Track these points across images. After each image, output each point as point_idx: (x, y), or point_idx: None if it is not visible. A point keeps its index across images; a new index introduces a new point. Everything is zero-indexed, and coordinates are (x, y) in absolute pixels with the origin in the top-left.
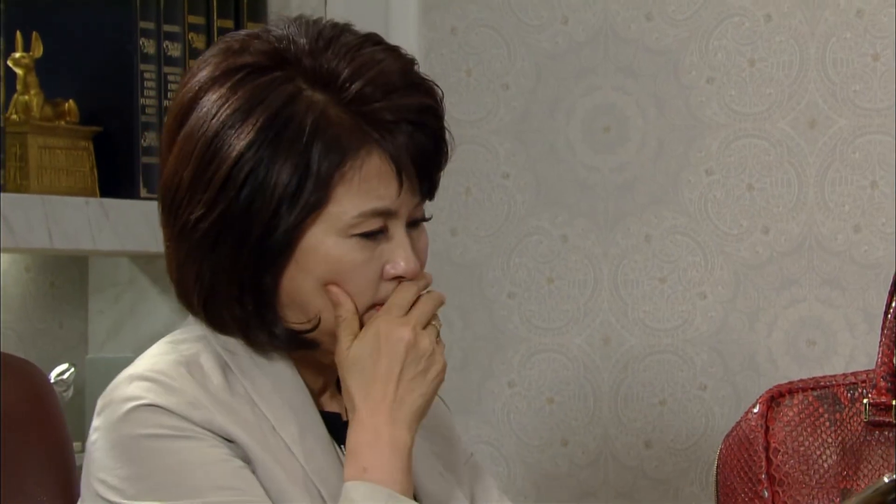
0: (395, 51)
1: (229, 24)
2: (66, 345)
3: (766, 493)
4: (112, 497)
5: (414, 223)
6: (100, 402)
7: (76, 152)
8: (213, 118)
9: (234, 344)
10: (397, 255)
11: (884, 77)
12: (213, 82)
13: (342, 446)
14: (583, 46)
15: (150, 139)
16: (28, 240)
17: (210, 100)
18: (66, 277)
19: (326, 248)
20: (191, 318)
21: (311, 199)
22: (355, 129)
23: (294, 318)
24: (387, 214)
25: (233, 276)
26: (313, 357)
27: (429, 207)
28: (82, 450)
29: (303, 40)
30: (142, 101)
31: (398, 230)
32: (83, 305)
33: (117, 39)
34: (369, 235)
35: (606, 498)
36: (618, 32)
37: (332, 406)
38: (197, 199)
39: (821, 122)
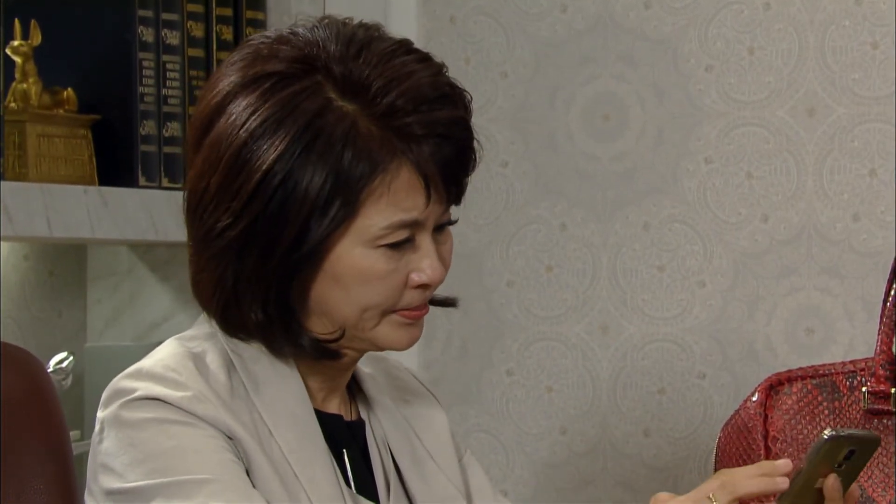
0: (426, 60)
1: (227, 12)
2: (65, 333)
3: None
4: (113, 484)
5: (440, 227)
6: (105, 395)
7: (75, 141)
8: (241, 128)
9: (242, 346)
10: (424, 264)
11: (883, 65)
12: (241, 88)
13: (344, 449)
14: (582, 35)
15: (148, 127)
16: (27, 228)
17: (239, 107)
18: (64, 266)
19: (353, 258)
20: (202, 317)
21: (340, 212)
22: (385, 142)
23: (319, 328)
24: (414, 225)
25: (258, 285)
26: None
27: None
28: (80, 438)
29: (333, 46)
30: (140, 89)
31: (425, 240)
32: (82, 294)
33: (116, 28)
34: (396, 246)
35: (605, 486)
36: (617, 21)
37: (334, 408)
38: (224, 207)
39: (820, 110)
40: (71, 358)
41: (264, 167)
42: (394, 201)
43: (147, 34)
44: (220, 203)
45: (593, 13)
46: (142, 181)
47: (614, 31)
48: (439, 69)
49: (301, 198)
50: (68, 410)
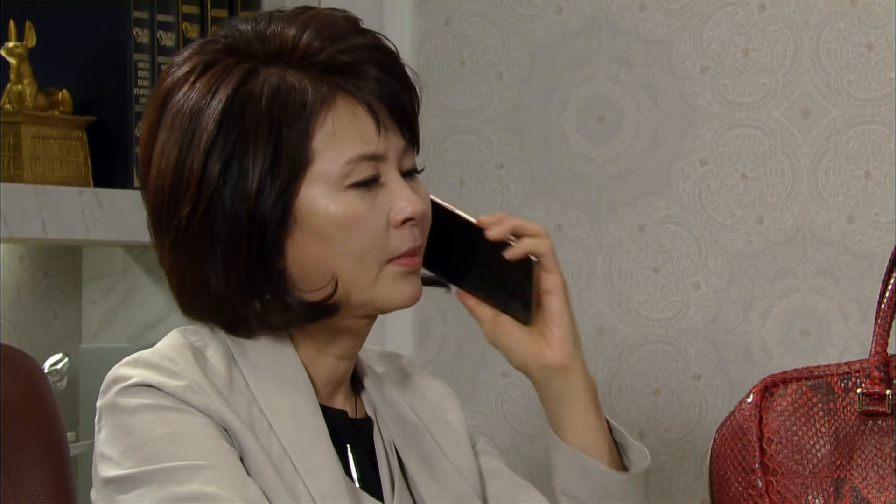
0: (332, 8)
1: (223, 13)
2: (60, 335)
3: (760, 483)
4: (110, 472)
5: (408, 174)
6: (104, 383)
7: (70, 142)
8: (177, 122)
9: (246, 339)
10: (397, 198)
11: (877, 67)
12: (170, 93)
13: (349, 444)
14: (577, 36)
15: None
16: (22, 230)
17: (172, 109)
18: (59, 267)
19: (325, 206)
20: None
21: (291, 164)
22: (315, 82)
23: (310, 287)
24: (375, 159)
25: (239, 268)
26: (336, 341)
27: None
28: (75, 440)
29: (245, 27)
30: (135, 90)
31: (392, 175)
32: (77, 295)
33: (111, 29)
34: (364, 185)
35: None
36: (612, 22)
37: (339, 403)
38: (182, 197)
39: (815, 111)
40: (66, 359)
41: (205, 143)
42: (344, 137)
43: (142, 35)
44: (177, 200)
45: (588, 14)
46: (137, 182)
47: (609, 33)
48: (350, 13)
49: (249, 161)
50: (63, 412)
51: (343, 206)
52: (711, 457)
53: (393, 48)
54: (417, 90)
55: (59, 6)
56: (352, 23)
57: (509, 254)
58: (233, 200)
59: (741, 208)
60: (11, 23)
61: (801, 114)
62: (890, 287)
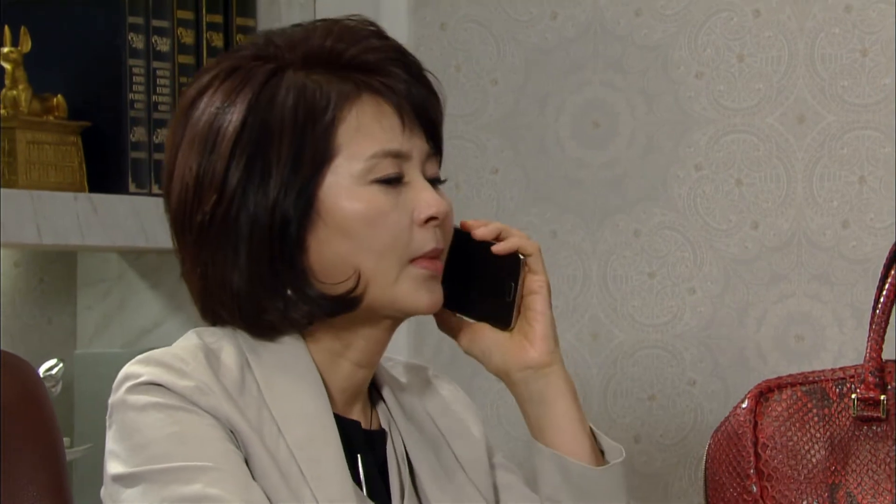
0: (357, 16)
1: (218, 18)
2: (55, 340)
3: (755, 488)
4: (117, 468)
5: (431, 182)
6: (116, 381)
7: (65, 147)
8: (202, 121)
9: (262, 343)
10: (421, 197)
11: (872, 72)
12: (197, 95)
13: (360, 455)
14: (572, 42)
15: (138, 134)
16: (16, 235)
17: (198, 109)
18: (54, 273)
19: (349, 201)
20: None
21: (314, 158)
22: (341, 80)
23: (332, 281)
24: (398, 157)
25: (263, 265)
26: (354, 347)
27: None
28: (70, 445)
29: (278, 38)
30: (130, 96)
31: (415, 174)
32: (72, 301)
33: (106, 34)
34: (389, 182)
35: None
36: (607, 28)
37: (353, 414)
38: (206, 195)
39: (809, 117)
40: (61, 365)
41: (228, 140)
42: (368, 132)
43: (137, 41)
44: (201, 198)
45: (583, 20)
46: (132, 188)
47: (604, 39)
48: (373, 22)
49: (273, 157)
50: (58, 417)
51: (366, 201)
52: (706, 462)
53: (414, 60)
54: (441, 99)
55: (54, 12)
56: (375, 28)
57: (498, 248)
58: (256, 197)
59: (736, 214)
60: (6, 28)
61: (796, 119)
62: (884, 293)
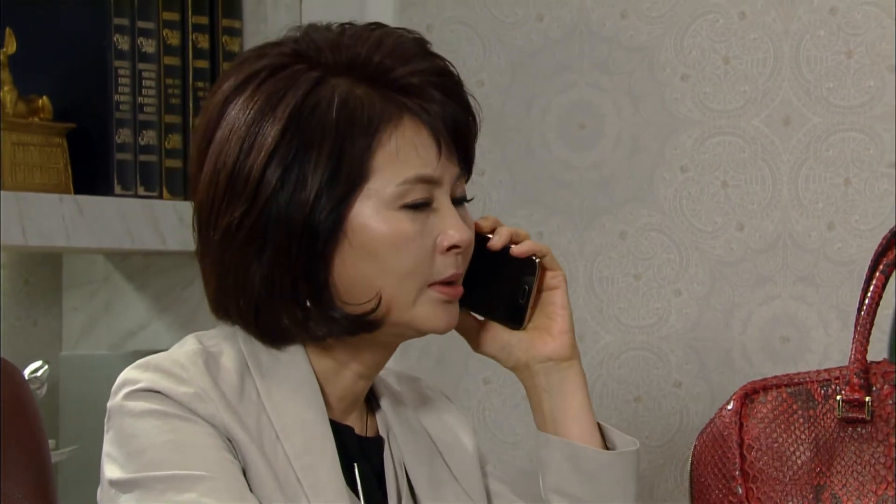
0: (404, 29)
1: (203, 20)
2: (40, 342)
3: (740, 490)
4: (114, 473)
5: (458, 202)
6: (114, 385)
7: (50, 149)
8: (241, 121)
9: (262, 349)
10: (447, 224)
11: (857, 74)
12: (235, 91)
13: (356, 464)
14: (558, 43)
15: (124, 136)
16: (2, 237)
17: (236, 106)
18: (40, 275)
19: (376, 223)
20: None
21: (350, 177)
22: (384, 100)
23: (353, 301)
24: (430, 182)
25: (285, 274)
26: (360, 358)
27: None
28: (56, 447)
29: (317, 35)
30: (116, 97)
31: (444, 201)
32: (57, 303)
33: (91, 36)
34: (417, 207)
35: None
36: (593, 29)
37: (348, 419)
38: (237, 197)
39: (795, 119)
40: (46, 367)
41: (267, 143)
42: (404, 157)
43: (123, 42)
44: (232, 199)
45: (569, 22)
46: (117, 189)
47: (590, 40)
48: (421, 36)
49: (309, 169)
50: (43, 419)
51: (393, 225)
52: (692, 464)
53: (457, 74)
54: (478, 119)
55: (39, 12)
56: (422, 45)
57: (517, 250)
58: (288, 206)
59: (722, 215)
60: None
61: (782, 121)
62: (869, 294)
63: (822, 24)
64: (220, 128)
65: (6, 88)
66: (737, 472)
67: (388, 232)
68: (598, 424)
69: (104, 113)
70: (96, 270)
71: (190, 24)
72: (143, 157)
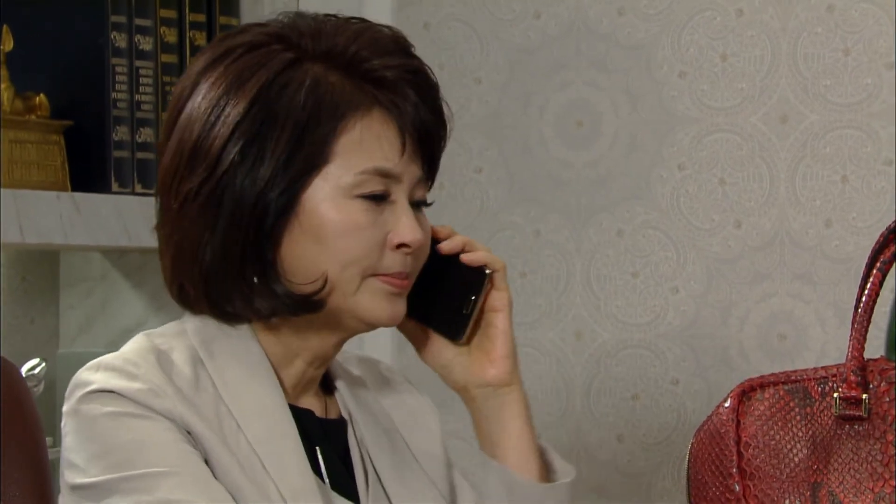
0: (387, 26)
1: (201, 17)
2: (38, 340)
3: (738, 487)
4: (76, 479)
5: (416, 204)
6: (68, 389)
7: (47, 146)
8: (213, 93)
9: (213, 338)
10: (400, 223)
11: (854, 72)
12: (212, 64)
13: (318, 447)
14: (555, 41)
15: (121, 133)
16: None
17: (210, 79)
18: (37, 272)
19: (329, 208)
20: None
21: (309, 158)
22: (356, 89)
23: (299, 280)
24: (389, 177)
25: (234, 245)
26: (309, 347)
27: None
28: (53, 445)
29: (303, 23)
30: (113, 95)
31: (401, 198)
32: (54, 300)
33: (89, 33)
34: (373, 199)
35: (578, 492)
36: (590, 27)
37: (306, 402)
38: (199, 165)
39: (792, 116)
40: (43, 364)
41: (233, 118)
42: (367, 147)
43: (120, 39)
44: (194, 167)
45: (567, 19)
46: (115, 187)
47: (588, 38)
48: (402, 34)
49: (270, 145)
50: (41, 417)
51: (346, 213)
52: (689, 461)
53: (434, 80)
54: (448, 128)
55: (36, 10)
56: (401, 42)
57: (469, 257)
58: (245, 180)
59: (719, 213)
60: None
61: (779, 119)
62: (866, 292)
63: (820, 21)
64: (191, 99)
65: (3, 86)
66: (734, 470)
67: (339, 219)
68: (541, 448)
69: (101, 110)
70: (93, 268)
71: (187, 21)
72: (140, 155)
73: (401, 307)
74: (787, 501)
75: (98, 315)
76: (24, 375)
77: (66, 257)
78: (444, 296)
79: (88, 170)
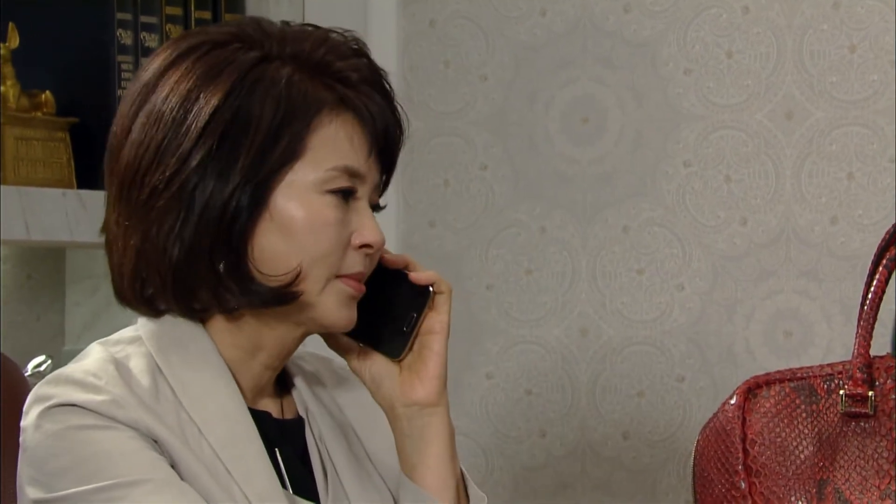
0: (342, 30)
1: (206, 15)
2: (43, 337)
3: (743, 484)
4: (40, 494)
5: (372, 208)
6: (27, 402)
7: (53, 143)
8: (179, 86)
9: (169, 344)
10: (365, 224)
11: (860, 69)
12: (176, 60)
13: (277, 449)
14: (561, 38)
15: None
16: (4, 231)
17: (175, 74)
18: (43, 269)
19: (299, 203)
20: (126, 329)
21: (283, 153)
22: (327, 89)
23: (270, 272)
24: (357, 176)
25: (204, 238)
26: (264, 350)
27: (407, 199)
28: None
29: (266, 26)
30: (119, 92)
31: (364, 198)
32: (60, 297)
33: (94, 30)
34: (342, 195)
35: (584, 489)
36: (596, 24)
37: (264, 405)
38: (169, 156)
39: (798, 113)
40: (49, 361)
41: (206, 112)
42: (339, 145)
43: (126, 37)
44: (162, 159)
45: (572, 16)
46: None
47: (593, 35)
48: (359, 37)
49: (244, 140)
50: None
51: (316, 208)
52: (695, 458)
53: (389, 85)
54: (405, 133)
55: (42, 7)
56: (359, 46)
57: (417, 277)
58: (216, 180)
59: (725, 210)
60: None
61: (785, 116)
62: (872, 289)
63: (826, 18)
64: (155, 93)
65: (9, 83)
66: (740, 467)
67: (308, 215)
68: (462, 473)
69: (107, 108)
70: (99, 265)
71: (193, 18)
72: None
73: (355, 313)
74: (792, 498)
75: (103, 312)
76: (29, 372)
77: (72, 254)
78: (387, 312)
79: (94, 167)
